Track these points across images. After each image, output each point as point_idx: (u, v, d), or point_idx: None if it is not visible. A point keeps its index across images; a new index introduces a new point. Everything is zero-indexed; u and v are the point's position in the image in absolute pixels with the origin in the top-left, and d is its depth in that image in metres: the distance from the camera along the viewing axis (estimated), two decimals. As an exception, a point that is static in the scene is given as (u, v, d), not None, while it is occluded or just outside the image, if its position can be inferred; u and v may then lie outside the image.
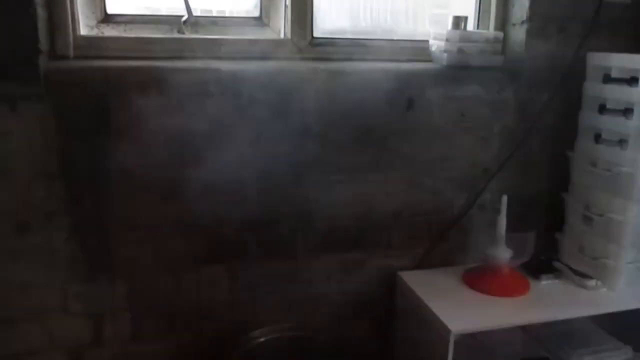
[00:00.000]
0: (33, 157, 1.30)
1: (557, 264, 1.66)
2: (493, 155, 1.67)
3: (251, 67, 1.43)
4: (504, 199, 1.52)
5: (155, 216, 1.42)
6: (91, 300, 1.43)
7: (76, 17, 1.39)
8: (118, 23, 1.47)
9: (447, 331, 1.35)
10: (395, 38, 1.65)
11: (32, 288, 1.38)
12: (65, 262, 1.38)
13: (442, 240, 1.69)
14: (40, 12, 1.26)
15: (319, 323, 1.59)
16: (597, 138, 1.58)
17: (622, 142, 1.50)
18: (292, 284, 1.58)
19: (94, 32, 1.44)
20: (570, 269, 1.63)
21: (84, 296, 1.42)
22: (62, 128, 1.31)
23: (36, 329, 1.41)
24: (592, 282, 1.56)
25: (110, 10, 1.48)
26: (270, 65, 1.46)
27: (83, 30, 1.42)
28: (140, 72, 1.34)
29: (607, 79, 1.54)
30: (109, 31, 1.45)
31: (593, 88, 1.58)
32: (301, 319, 1.59)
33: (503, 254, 1.54)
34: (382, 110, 1.53)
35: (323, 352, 1.49)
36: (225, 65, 1.41)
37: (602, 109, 1.56)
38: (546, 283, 1.60)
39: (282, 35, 1.55)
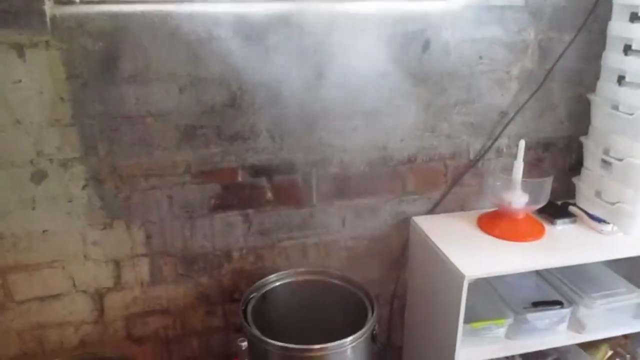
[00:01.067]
0: (45, 105, 1.30)
1: (573, 209, 1.65)
2: (511, 98, 1.62)
3: (261, 9, 1.38)
4: (522, 143, 1.49)
5: (169, 163, 1.42)
6: (110, 246, 1.46)
7: (81, -42, 1.34)
8: (124, -35, 1.42)
9: (461, 276, 1.36)
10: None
11: (52, 235, 1.41)
12: (82, 210, 1.40)
13: (458, 185, 1.68)
14: (44, -45, 1.22)
15: (334, 267, 1.61)
16: (621, 80, 1.52)
17: (646, 84, 1.45)
18: (306, 230, 1.59)
19: (100, -26, 1.39)
20: (587, 213, 1.61)
21: (102, 242, 1.45)
22: (71, 75, 1.29)
23: (58, 274, 1.45)
24: (608, 227, 1.56)
25: (116, -50, 1.42)
26: (281, 6, 1.40)
27: (88, -27, 1.37)
28: (148, 16, 1.30)
29: (634, 17, 1.47)
30: (115, -27, 1.41)
31: (619, 27, 1.51)
32: (316, 264, 1.62)
33: (519, 199, 1.52)
34: (398, 53, 1.49)
35: (338, 295, 1.52)
36: (235, 8, 1.36)
37: (628, 49, 1.49)
38: (561, 228, 1.59)
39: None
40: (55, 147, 1.33)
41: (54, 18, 1.25)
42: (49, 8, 1.24)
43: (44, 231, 1.40)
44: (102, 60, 1.30)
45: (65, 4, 1.31)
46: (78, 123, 1.33)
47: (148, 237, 1.47)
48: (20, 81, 1.26)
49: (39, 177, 1.35)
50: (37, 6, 1.22)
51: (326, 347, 1.25)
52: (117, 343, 1.54)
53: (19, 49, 1.24)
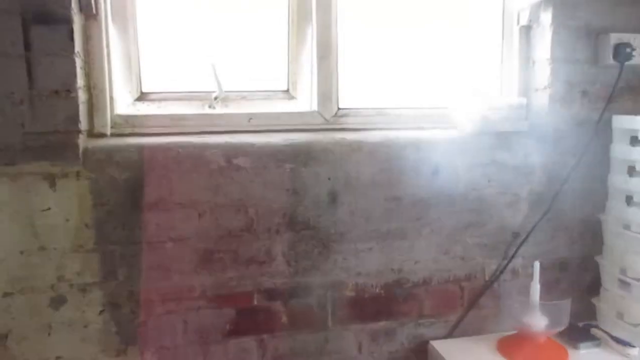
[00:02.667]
0: (69, 232, 1.35)
1: (595, 331, 1.61)
2: (522, 219, 1.66)
3: (279, 139, 1.47)
4: (536, 265, 1.50)
5: (185, 287, 1.44)
6: (122, 374, 1.43)
7: (114, 96, 1.47)
8: (152, 100, 1.54)
9: (484, 406, 1.30)
10: (417, 106, 1.68)
11: (65, 362, 1.39)
12: (97, 336, 1.40)
13: (475, 308, 1.66)
14: (81, 95, 1.33)
15: (351, 395, 1.56)
16: (629, 200, 1.56)
17: (654, 204, 1.48)
18: (322, 356, 1.56)
19: (130, 110, 1.51)
20: (610, 336, 1.57)
21: (115, 370, 1.43)
22: (97, 203, 1.36)
23: (67, 404, 1.41)
24: (634, 351, 1.51)
25: (145, 88, 1.56)
26: (298, 137, 1.50)
27: (119, 109, 1.49)
28: (173, 148, 1.39)
29: (635, 141, 1.54)
30: (144, 109, 1.52)
31: (621, 151, 1.58)
32: (332, 391, 1.56)
33: (538, 322, 1.49)
34: (408, 178, 1.55)
35: None
36: (253, 139, 1.46)
37: (632, 170, 1.55)
38: (585, 352, 1.54)
39: (309, 108, 1.60)
40: (76, 273, 1.36)
41: (85, 150, 1.34)
42: (82, 141, 1.34)
43: (57, 358, 1.39)
44: (128, 189, 1.37)
45: (97, 137, 1.41)
46: (100, 249, 1.37)
47: (161, 363, 1.45)
48: (48, 209, 1.33)
49: (57, 302, 1.36)
50: (72, 140, 1.31)
51: None
52: None
53: (51, 180, 1.32)
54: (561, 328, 1.51)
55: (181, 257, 1.43)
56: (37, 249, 1.33)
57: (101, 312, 1.39)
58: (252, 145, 1.44)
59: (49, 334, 1.37)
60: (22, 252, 1.33)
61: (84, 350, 1.40)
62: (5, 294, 1.33)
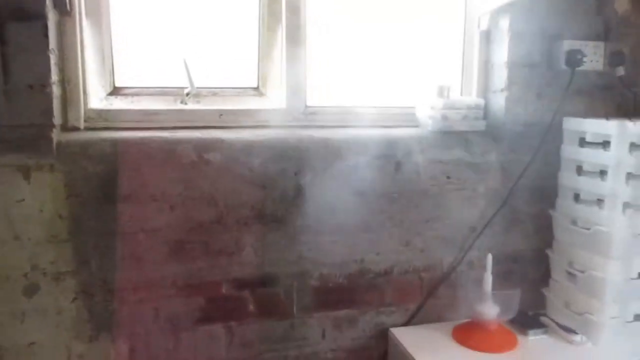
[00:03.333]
0: (44, 222, 1.39)
1: (544, 319, 1.72)
2: (479, 214, 1.75)
3: (249, 135, 1.54)
4: (489, 257, 1.60)
5: (156, 277, 1.50)
6: (94, 359, 1.48)
7: (87, 91, 1.51)
8: (126, 95, 1.59)
9: (437, 388, 1.40)
10: (383, 105, 1.76)
11: (39, 348, 1.44)
12: (70, 322, 1.45)
13: (433, 297, 1.75)
14: (55, 90, 1.37)
15: (314, 379, 1.64)
16: (577, 198, 1.67)
17: (599, 201, 1.59)
18: (288, 342, 1.64)
19: (103, 105, 1.55)
20: (557, 324, 1.68)
21: (87, 355, 1.47)
22: (71, 195, 1.40)
23: (40, 388, 1.46)
24: (577, 337, 1.62)
25: (119, 83, 1.60)
26: (267, 133, 1.56)
27: (93, 103, 1.53)
28: (145, 143, 1.44)
29: (583, 142, 1.64)
30: (117, 103, 1.57)
31: (570, 151, 1.69)
32: (297, 376, 1.65)
33: (490, 311, 1.60)
34: (372, 173, 1.63)
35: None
36: (224, 135, 1.52)
37: (580, 170, 1.66)
38: (534, 338, 1.65)
39: (278, 105, 1.67)
40: (49, 262, 1.41)
41: (59, 144, 1.38)
42: (56, 135, 1.38)
43: (30, 344, 1.43)
44: (101, 182, 1.41)
45: (71, 131, 1.46)
46: (73, 239, 1.42)
47: (132, 350, 1.51)
48: (23, 200, 1.37)
49: (31, 290, 1.41)
50: (46, 134, 1.36)
51: None
52: None
53: (25, 171, 1.36)
54: (511, 316, 1.62)
55: (153, 248, 1.48)
56: (12, 239, 1.37)
57: (74, 299, 1.44)
58: (222, 140, 1.50)
59: (22, 321, 1.41)
60: (-5, 242, 1.37)
61: (57, 336, 1.45)
62: (-21, 282, 1.37)
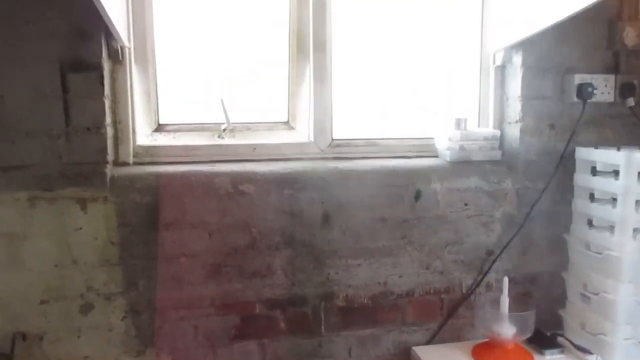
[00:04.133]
0: (97, 249, 1.56)
1: (560, 340, 1.80)
2: (496, 238, 1.85)
3: (279, 167, 1.68)
4: (505, 280, 1.70)
5: (195, 297, 1.64)
6: (141, 372, 1.64)
7: (135, 129, 1.68)
8: (168, 131, 1.76)
9: (455, 403, 1.50)
10: (404, 137, 1.89)
11: (92, 361, 1.60)
12: (120, 338, 1.61)
13: (453, 317, 1.86)
14: (109, 131, 1.55)
15: (341, 394, 1.75)
16: (590, 223, 1.75)
17: (610, 227, 1.67)
18: (315, 358, 1.76)
19: (149, 141, 1.72)
20: (573, 344, 1.76)
21: (134, 368, 1.63)
22: (121, 224, 1.57)
23: (93, 398, 1.62)
24: (592, 357, 1.69)
25: (162, 120, 1.77)
26: (296, 165, 1.71)
27: (140, 140, 1.70)
28: (186, 176, 1.60)
29: (594, 171, 1.73)
30: (161, 139, 1.74)
31: (582, 179, 1.78)
32: (325, 390, 1.77)
33: (507, 331, 1.69)
34: (394, 201, 1.75)
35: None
36: (257, 167, 1.67)
37: (592, 197, 1.74)
38: (550, 358, 1.73)
39: (306, 139, 1.81)
40: (103, 283, 1.57)
41: (112, 178, 1.55)
42: (109, 170, 1.55)
43: (85, 357, 1.59)
44: (148, 211, 1.58)
45: (121, 165, 1.63)
46: (123, 263, 1.58)
47: (174, 363, 1.66)
48: (80, 228, 1.54)
49: (86, 309, 1.57)
50: (101, 169, 1.53)
51: None
52: None
53: (82, 203, 1.53)
54: (527, 336, 1.71)
55: (193, 271, 1.63)
56: (71, 263, 1.54)
57: (123, 318, 1.60)
58: (255, 173, 1.65)
59: (78, 337, 1.58)
60: (56, 266, 1.54)
61: (108, 351, 1.61)
62: (42, 302, 1.54)
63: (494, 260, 1.85)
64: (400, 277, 1.79)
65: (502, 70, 1.91)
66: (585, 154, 1.77)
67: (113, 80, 1.59)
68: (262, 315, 1.70)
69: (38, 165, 1.49)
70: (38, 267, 1.53)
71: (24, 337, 1.54)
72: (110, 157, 1.57)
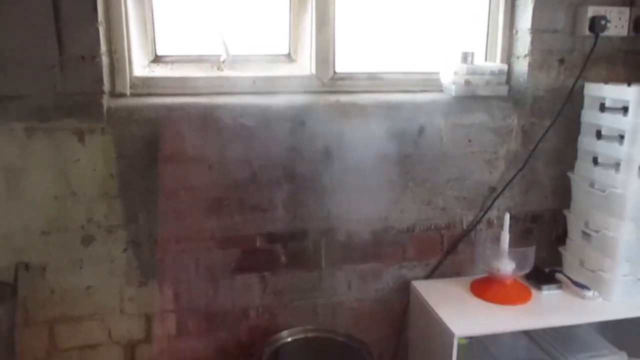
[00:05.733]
0: (96, 181, 1.55)
1: (559, 276, 1.81)
2: (499, 175, 1.83)
3: (280, 101, 1.64)
4: (507, 216, 1.69)
5: (196, 230, 1.65)
6: (143, 302, 1.66)
7: (132, 59, 1.63)
8: (166, 63, 1.71)
9: (452, 334, 1.52)
10: (408, 71, 1.84)
11: (94, 291, 1.62)
12: (122, 270, 1.62)
13: (453, 253, 1.86)
14: (104, 60, 1.50)
15: (341, 327, 1.77)
16: (595, 161, 1.73)
17: (616, 165, 1.65)
18: (316, 291, 1.78)
19: (146, 72, 1.68)
20: (571, 280, 1.78)
21: (137, 298, 1.65)
22: (120, 156, 1.55)
23: (97, 326, 1.65)
24: (589, 293, 1.71)
25: (160, 51, 1.72)
26: (297, 99, 1.67)
27: (137, 71, 1.65)
28: (185, 108, 1.57)
29: (603, 107, 1.69)
30: (159, 70, 1.69)
31: (590, 116, 1.74)
32: (325, 323, 1.79)
33: (506, 266, 1.70)
34: (397, 137, 1.72)
35: (343, 351, 1.68)
36: (258, 100, 1.63)
37: (599, 134, 1.71)
38: (547, 293, 1.75)
39: (308, 72, 1.76)
40: (103, 216, 1.57)
41: (109, 109, 1.52)
42: (105, 101, 1.52)
43: (88, 287, 1.61)
44: (146, 144, 1.55)
45: (118, 97, 1.59)
46: (123, 195, 1.57)
47: (176, 294, 1.68)
48: (78, 160, 1.52)
49: (87, 240, 1.58)
50: (98, 100, 1.49)
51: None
52: (145, 391, 1.71)
53: (80, 135, 1.51)
54: (526, 271, 1.72)
55: (193, 204, 1.63)
56: (69, 195, 1.53)
57: (125, 250, 1.61)
58: (256, 106, 1.62)
59: (80, 267, 1.59)
60: (56, 197, 1.53)
61: (110, 282, 1.62)
62: (43, 233, 1.54)
63: (496, 197, 1.84)
64: (402, 212, 1.79)
65: (512, 2, 1.83)
66: (595, 89, 1.72)
67: (107, 6, 1.53)
68: (263, 249, 1.71)
69: (33, 96, 1.46)
70: (38, 199, 1.52)
71: (26, 267, 1.55)
72: (106, 87, 1.53)
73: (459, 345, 1.54)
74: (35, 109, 1.46)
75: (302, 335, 1.71)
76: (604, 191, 1.68)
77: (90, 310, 1.63)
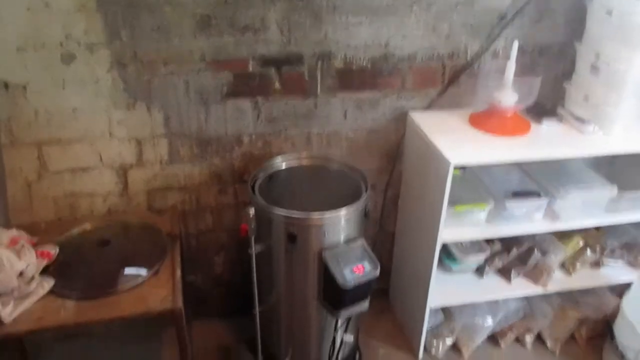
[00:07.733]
0: (72, -9, 1.41)
1: (560, 110, 1.77)
2: (510, 1, 1.69)
3: None
4: (515, 43, 1.59)
5: (185, 51, 1.54)
6: (132, 126, 1.61)
7: None
8: None
9: (447, 163, 1.51)
10: None
11: (81, 113, 1.56)
12: (108, 91, 1.54)
13: (454, 85, 1.79)
14: None
15: (334, 154, 1.76)
16: (617, -15, 1.59)
17: (640, -10, 1.51)
18: (311, 119, 1.73)
19: None
20: (572, 115, 1.73)
21: (126, 122, 1.60)
22: (96, -38, 1.39)
23: (87, 149, 1.62)
24: (590, 127, 1.68)
25: None
26: None
27: None
28: None
29: None
30: None
31: None
32: (318, 150, 1.77)
33: (509, 97, 1.64)
34: (403, -49, 1.55)
35: (338, 179, 1.67)
36: None
37: (624, -44, 1.55)
38: (547, 126, 1.72)
39: None
40: (82, 32, 1.45)
41: None
42: None
43: (73, 109, 1.55)
44: (124, -51, 1.38)
45: None
46: (102, 10, 1.44)
47: (167, 118, 1.62)
48: (49, -34, 1.36)
49: (68, 58, 1.48)
50: None
51: (323, 216, 1.43)
52: (140, 213, 1.73)
53: None
54: (528, 103, 1.66)
55: (180, 22, 1.50)
56: (43, 6, 1.40)
57: (109, 70, 1.52)
58: None
59: (63, 88, 1.51)
60: (28, 9, 1.40)
61: (96, 103, 1.56)
62: (19, 49, 1.43)
63: (505, 26, 1.71)
64: (404, 38, 1.67)
65: None
66: None
67: None
68: (256, 73, 1.62)
69: None
70: (8, 10, 1.39)
71: (5, 85, 1.47)
72: None
73: (452, 177, 1.53)
74: None
75: (296, 162, 1.70)
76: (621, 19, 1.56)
77: (78, 133, 1.59)
